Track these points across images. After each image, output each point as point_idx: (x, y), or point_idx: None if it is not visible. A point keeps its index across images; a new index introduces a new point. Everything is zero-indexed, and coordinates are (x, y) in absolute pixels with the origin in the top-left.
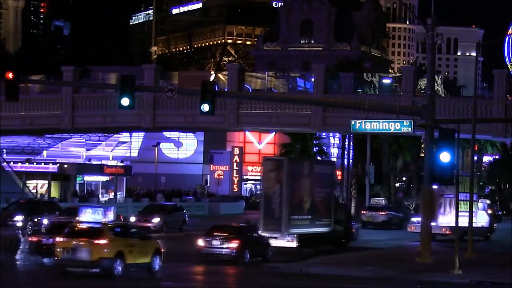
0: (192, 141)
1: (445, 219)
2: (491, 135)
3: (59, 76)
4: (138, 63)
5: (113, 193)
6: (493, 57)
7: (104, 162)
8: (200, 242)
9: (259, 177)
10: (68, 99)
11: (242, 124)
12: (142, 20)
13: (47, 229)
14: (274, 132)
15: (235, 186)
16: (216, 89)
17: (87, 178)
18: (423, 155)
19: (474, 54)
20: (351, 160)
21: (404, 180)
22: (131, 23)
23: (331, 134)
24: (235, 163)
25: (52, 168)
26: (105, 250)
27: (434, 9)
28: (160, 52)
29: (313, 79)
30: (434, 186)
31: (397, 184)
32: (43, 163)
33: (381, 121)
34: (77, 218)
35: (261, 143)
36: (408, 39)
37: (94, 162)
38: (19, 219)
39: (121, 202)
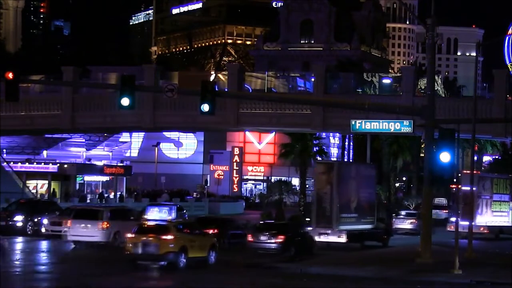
0: (192, 141)
1: (483, 218)
2: (491, 135)
3: (59, 76)
4: (138, 63)
5: (113, 193)
6: (493, 57)
7: (104, 162)
8: (249, 237)
9: (259, 177)
10: (68, 99)
11: (242, 124)
12: (142, 20)
13: None
14: (274, 132)
15: (235, 186)
16: (216, 89)
17: (87, 178)
18: (423, 155)
19: (474, 54)
20: (351, 160)
21: (404, 180)
22: (131, 23)
23: (331, 134)
24: (235, 163)
25: (52, 168)
26: (171, 245)
27: (434, 9)
28: (160, 52)
29: (313, 79)
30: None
31: (397, 184)
32: (43, 163)
33: (381, 121)
34: (144, 216)
35: (261, 143)
36: (408, 39)
37: (94, 162)
38: (19, 219)
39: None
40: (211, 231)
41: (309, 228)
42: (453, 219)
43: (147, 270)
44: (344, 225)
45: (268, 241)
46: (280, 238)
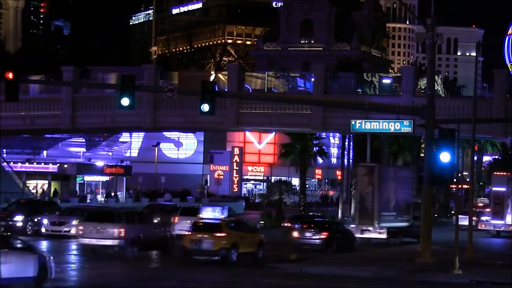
0: (192, 141)
1: None
2: (491, 135)
3: (59, 76)
4: (138, 63)
5: (113, 193)
6: (493, 57)
7: (104, 162)
8: (295, 233)
9: (259, 177)
10: (68, 99)
11: (242, 124)
12: (142, 20)
13: None
14: (274, 132)
15: (235, 186)
16: (216, 89)
17: (87, 178)
18: (423, 155)
19: (474, 54)
20: (351, 160)
21: None
22: (131, 23)
23: (331, 134)
24: (235, 163)
25: (52, 168)
26: (224, 241)
27: (434, 9)
28: (160, 52)
29: (313, 79)
30: (502, 189)
31: None
32: (43, 163)
33: (381, 121)
34: (199, 215)
35: (261, 143)
36: (408, 39)
37: (94, 162)
38: (19, 219)
39: (121, 202)
40: (321, 236)
41: (352, 226)
42: (484, 218)
43: (201, 265)
44: (384, 223)
45: (313, 237)
46: (324, 235)
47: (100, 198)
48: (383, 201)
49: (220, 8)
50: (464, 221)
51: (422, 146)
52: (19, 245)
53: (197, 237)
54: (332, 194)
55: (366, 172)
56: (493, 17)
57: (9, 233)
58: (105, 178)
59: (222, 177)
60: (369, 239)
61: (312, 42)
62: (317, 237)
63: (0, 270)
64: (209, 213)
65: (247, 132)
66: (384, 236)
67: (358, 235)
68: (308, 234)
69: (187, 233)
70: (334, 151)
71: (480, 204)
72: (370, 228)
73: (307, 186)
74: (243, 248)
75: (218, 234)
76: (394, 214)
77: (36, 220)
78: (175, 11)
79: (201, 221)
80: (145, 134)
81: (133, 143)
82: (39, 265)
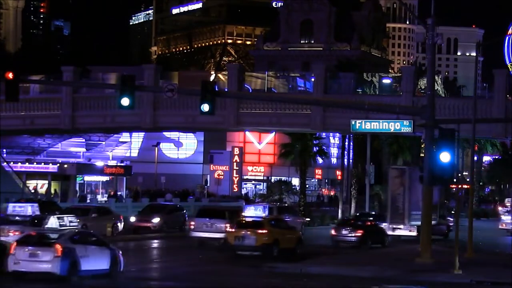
0: (192, 141)
1: None
2: (491, 135)
3: (59, 76)
4: (138, 63)
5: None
6: (493, 57)
7: (104, 162)
8: (332, 231)
9: (259, 177)
10: (68, 99)
11: (242, 124)
12: (142, 20)
13: None
14: (274, 132)
15: (235, 186)
16: (216, 89)
17: (87, 178)
18: (423, 155)
19: (474, 54)
20: (351, 160)
21: None
22: (131, 23)
23: (331, 134)
24: (235, 163)
25: (52, 168)
26: (265, 238)
27: (434, 9)
28: (160, 52)
29: (313, 79)
30: None
31: None
32: (43, 163)
33: (381, 121)
34: (243, 214)
35: (261, 143)
36: (408, 39)
37: (94, 162)
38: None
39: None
40: (357, 233)
41: (384, 224)
42: (505, 217)
43: (245, 259)
44: (414, 221)
45: (349, 234)
46: (359, 232)
47: (100, 198)
48: (413, 201)
49: (220, 8)
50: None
51: (422, 146)
52: (94, 241)
53: (240, 233)
54: (327, 194)
55: (398, 174)
56: (493, 17)
57: (87, 230)
58: (105, 178)
59: (222, 177)
60: (399, 236)
61: (312, 42)
62: (353, 234)
63: (80, 263)
64: (252, 212)
65: (247, 132)
66: (414, 233)
67: (389, 233)
68: (344, 232)
69: (230, 230)
70: (334, 151)
71: (508, 204)
72: (401, 226)
73: (307, 186)
74: (283, 244)
75: (260, 231)
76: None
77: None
78: (175, 11)
79: (244, 218)
80: (145, 134)
81: (133, 143)
82: (112, 258)
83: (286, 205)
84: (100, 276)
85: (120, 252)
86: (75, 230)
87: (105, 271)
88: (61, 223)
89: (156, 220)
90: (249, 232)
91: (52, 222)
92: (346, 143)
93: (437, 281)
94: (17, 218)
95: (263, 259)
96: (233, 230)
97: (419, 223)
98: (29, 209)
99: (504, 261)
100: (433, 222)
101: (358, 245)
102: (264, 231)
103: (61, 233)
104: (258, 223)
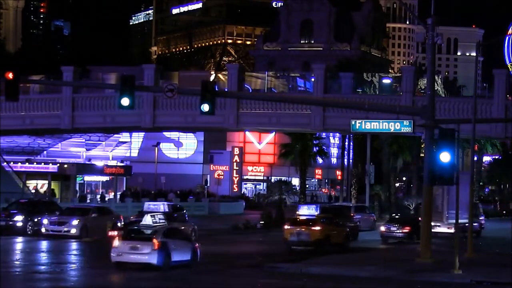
0: (192, 141)
1: None
2: (491, 135)
3: (59, 76)
4: (138, 63)
5: (113, 193)
6: (493, 57)
7: (104, 162)
8: (382, 228)
9: (259, 177)
10: (68, 99)
11: (242, 124)
12: (142, 20)
13: None
14: (274, 132)
15: (235, 186)
16: (216, 89)
17: (87, 178)
18: (423, 155)
19: (474, 54)
20: (351, 160)
21: (404, 180)
22: (131, 23)
23: (331, 134)
24: (235, 163)
25: (52, 168)
26: (319, 234)
27: (434, 9)
28: (160, 52)
29: (313, 79)
30: None
31: (397, 184)
32: (43, 163)
33: (381, 121)
34: (297, 212)
35: (261, 143)
36: (408, 39)
37: (94, 162)
38: (19, 219)
39: (121, 202)
40: (404, 230)
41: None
42: None
43: (300, 253)
44: (452, 219)
45: (398, 231)
46: (407, 229)
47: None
48: (450, 201)
49: (220, 8)
50: None
51: (422, 146)
52: (180, 235)
53: (295, 230)
54: (327, 193)
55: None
56: (493, 17)
57: (173, 226)
58: (105, 178)
59: (222, 177)
60: (436, 233)
61: (312, 42)
62: (401, 231)
63: (171, 255)
64: (305, 210)
65: (247, 132)
66: (452, 230)
67: None
68: (393, 229)
69: (287, 227)
70: (334, 151)
71: None
72: (439, 224)
73: (307, 186)
74: (333, 240)
75: (313, 228)
76: (459, 212)
77: (36, 220)
78: (175, 11)
79: (299, 216)
80: (145, 134)
81: (133, 143)
82: (192, 250)
83: (362, 204)
84: (184, 265)
85: (197, 244)
86: (166, 226)
87: (188, 262)
88: (153, 221)
89: None
90: (304, 229)
91: (147, 219)
92: (346, 143)
93: (437, 281)
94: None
95: (317, 254)
96: (289, 227)
97: (454, 221)
98: (162, 207)
99: (504, 261)
100: (466, 221)
101: (406, 241)
102: (317, 227)
103: (155, 229)
104: (312, 220)
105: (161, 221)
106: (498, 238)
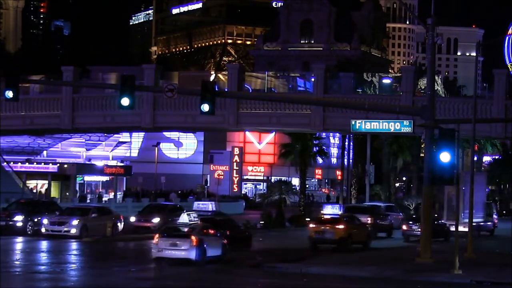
0: (192, 141)
1: None
2: (491, 135)
3: (59, 76)
4: (138, 63)
5: (113, 193)
6: (493, 57)
7: (104, 162)
8: (404, 227)
9: (259, 177)
10: (68, 99)
11: (242, 124)
12: (142, 20)
13: None
14: (274, 132)
15: (235, 186)
16: (216, 89)
17: (87, 178)
18: (423, 155)
19: (474, 54)
20: (351, 160)
21: (404, 180)
22: (131, 23)
23: (331, 134)
24: (235, 163)
25: (52, 168)
26: (342, 232)
27: (434, 9)
28: (160, 52)
29: (313, 79)
30: None
31: (397, 184)
32: (43, 163)
33: (381, 121)
34: (321, 212)
35: (261, 143)
36: (408, 39)
37: (94, 162)
38: (19, 219)
39: (121, 202)
40: None
41: (441, 221)
42: None
43: (324, 251)
44: (467, 218)
45: (418, 229)
46: None
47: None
48: (465, 200)
49: (220, 8)
50: None
51: (422, 146)
52: (212, 232)
53: (320, 229)
54: (327, 193)
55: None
56: (493, 17)
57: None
58: (105, 178)
59: (222, 177)
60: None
61: (312, 42)
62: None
63: (207, 250)
64: (329, 210)
65: (247, 132)
66: (467, 229)
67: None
68: (414, 227)
69: (312, 225)
70: (334, 151)
71: None
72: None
73: (307, 186)
74: (355, 238)
75: (337, 226)
76: (474, 211)
77: (36, 220)
78: (175, 11)
79: (323, 215)
80: (145, 134)
81: (133, 143)
82: (222, 246)
83: (392, 204)
84: (216, 260)
85: (226, 241)
86: (201, 224)
87: (219, 256)
88: (189, 219)
89: (156, 220)
90: (328, 227)
91: (184, 218)
92: (346, 143)
93: (437, 281)
94: (201, 213)
95: (340, 251)
96: (314, 225)
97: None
98: (210, 206)
99: (504, 261)
100: (480, 220)
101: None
102: (341, 226)
103: (192, 227)
104: (336, 219)
105: (195, 219)
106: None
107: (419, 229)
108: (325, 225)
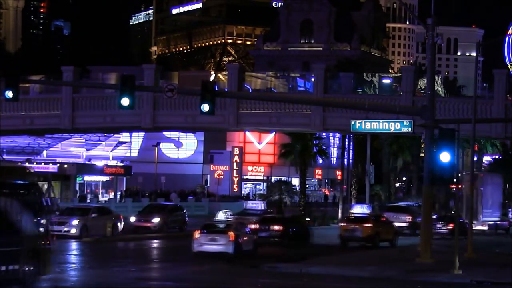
0: (192, 141)
1: None
2: (491, 135)
3: (59, 76)
4: (138, 63)
5: (113, 193)
6: (493, 57)
7: (104, 162)
8: None
9: (259, 177)
10: (68, 99)
11: (242, 124)
12: (142, 20)
13: None
14: (274, 132)
15: (235, 186)
16: (216, 89)
17: (87, 178)
18: (423, 155)
19: (474, 54)
20: (351, 160)
21: (404, 180)
22: (131, 23)
23: (331, 134)
24: (235, 163)
25: (52, 168)
26: (370, 230)
27: (434, 9)
28: (160, 52)
29: (313, 79)
30: None
31: (397, 184)
32: (43, 163)
33: (381, 121)
34: (350, 211)
35: (261, 143)
36: (408, 39)
37: (94, 162)
38: None
39: (121, 202)
40: (448, 226)
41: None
42: None
43: (354, 249)
44: (485, 218)
45: (443, 228)
46: (451, 226)
47: (100, 198)
48: (484, 200)
49: (220, 8)
50: None
51: (422, 146)
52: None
53: (350, 227)
54: (320, 192)
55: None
56: (493, 17)
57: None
58: (105, 178)
59: (222, 177)
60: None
61: (312, 42)
62: (446, 227)
63: (242, 245)
64: (358, 209)
65: (247, 132)
66: (485, 228)
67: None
68: (438, 226)
69: (342, 224)
70: (334, 151)
71: None
72: (475, 222)
73: (307, 186)
74: (383, 236)
75: (365, 225)
76: (491, 211)
77: (36, 220)
78: (175, 11)
79: (352, 215)
80: (145, 134)
81: (133, 143)
82: (254, 241)
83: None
84: (249, 254)
85: (256, 237)
86: (237, 221)
87: (251, 251)
88: (225, 217)
89: (156, 220)
90: (357, 226)
91: (220, 215)
92: (346, 143)
93: (437, 281)
94: (252, 212)
95: (369, 248)
96: (344, 224)
97: (488, 219)
98: (261, 205)
99: (504, 261)
100: (497, 219)
101: (449, 237)
102: (369, 225)
103: (229, 223)
104: (364, 218)
105: (230, 216)
106: None
107: (444, 228)
108: (354, 224)
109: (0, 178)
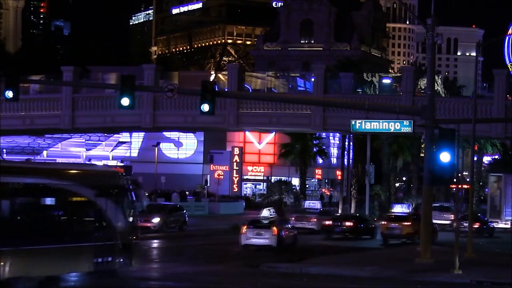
0: (192, 141)
1: None
2: (491, 135)
3: (59, 76)
4: (138, 63)
5: None
6: (493, 57)
7: (104, 162)
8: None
9: (259, 177)
10: (68, 99)
11: (242, 124)
12: (142, 20)
13: None
14: (274, 132)
15: (235, 186)
16: (216, 89)
17: None
18: (423, 155)
19: (474, 54)
20: (351, 160)
21: (404, 180)
22: (131, 23)
23: (331, 134)
24: (235, 163)
25: None
26: (409, 229)
27: (434, 9)
28: (160, 52)
29: (313, 79)
30: None
31: (397, 184)
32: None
33: (381, 121)
34: (391, 210)
35: (261, 143)
36: (408, 39)
37: (94, 162)
38: None
39: None
40: (474, 225)
41: (485, 219)
42: None
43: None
44: (508, 216)
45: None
46: (477, 224)
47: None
48: (507, 200)
49: (220, 8)
50: None
51: (422, 146)
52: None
53: (390, 225)
54: (320, 192)
55: (496, 180)
56: (493, 17)
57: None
58: None
59: (222, 177)
60: (494, 228)
61: (312, 42)
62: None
63: (284, 239)
64: (399, 208)
65: (247, 132)
66: (508, 226)
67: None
68: (465, 224)
69: (383, 222)
70: (334, 151)
71: None
72: (498, 220)
73: (307, 186)
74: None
75: (405, 223)
76: (509, 211)
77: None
78: (175, 11)
79: (392, 214)
80: (145, 134)
81: (133, 143)
82: (294, 236)
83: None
84: (290, 247)
85: (295, 232)
86: (279, 217)
87: (291, 245)
88: (269, 214)
89: (156, 220)
90: (397, 224)
91: (265, 212)
92: (346, 143)
93: (437, 281)
94: (311, 210)
95: (409, 245)
96: (385, 222)
97: (510, 218)
98: (318, 204)
99: (504, 261)
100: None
101: (476, 235)
102: (408, 223)
103: (272, 219)
104: (404, 217)
105: (273, 213)
106: None
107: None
108: (394, 222)
109: (99, 182)
